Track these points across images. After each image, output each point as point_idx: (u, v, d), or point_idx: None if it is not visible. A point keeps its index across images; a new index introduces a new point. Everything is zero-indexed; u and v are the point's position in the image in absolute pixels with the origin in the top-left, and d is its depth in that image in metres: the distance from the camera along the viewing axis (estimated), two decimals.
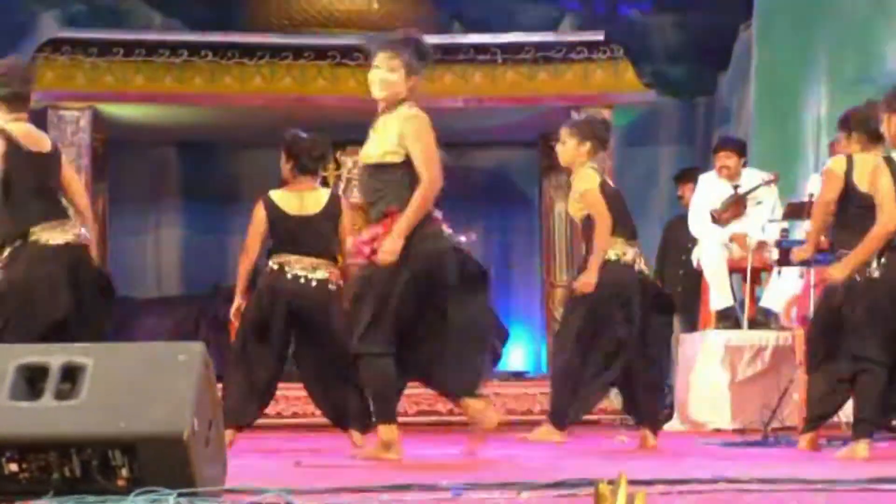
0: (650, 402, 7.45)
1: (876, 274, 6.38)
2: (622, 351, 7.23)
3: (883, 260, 6.39)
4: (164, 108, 11.40)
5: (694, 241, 9.92)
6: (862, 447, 6.33)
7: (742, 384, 9.21)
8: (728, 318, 9.53)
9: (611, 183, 7.63)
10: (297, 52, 11.30)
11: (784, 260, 8.52)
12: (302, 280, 7.18)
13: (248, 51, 11.23)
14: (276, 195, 7.42)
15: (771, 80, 11.62)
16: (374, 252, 6.04)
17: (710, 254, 9.63)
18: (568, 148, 7.39)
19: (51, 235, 6.18)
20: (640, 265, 7.38)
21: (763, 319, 9.59)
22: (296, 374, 7.61)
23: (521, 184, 13.03)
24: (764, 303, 9.64)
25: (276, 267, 7.28)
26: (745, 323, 9.51)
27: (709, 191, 9.82)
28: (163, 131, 12.18)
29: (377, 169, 6.11)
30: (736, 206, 9.68)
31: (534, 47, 11.43)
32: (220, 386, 4.30)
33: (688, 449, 7.41)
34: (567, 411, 7.43)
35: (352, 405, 7.17)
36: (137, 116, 11.56)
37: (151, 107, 11.37)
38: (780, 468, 5.41)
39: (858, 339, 6.45)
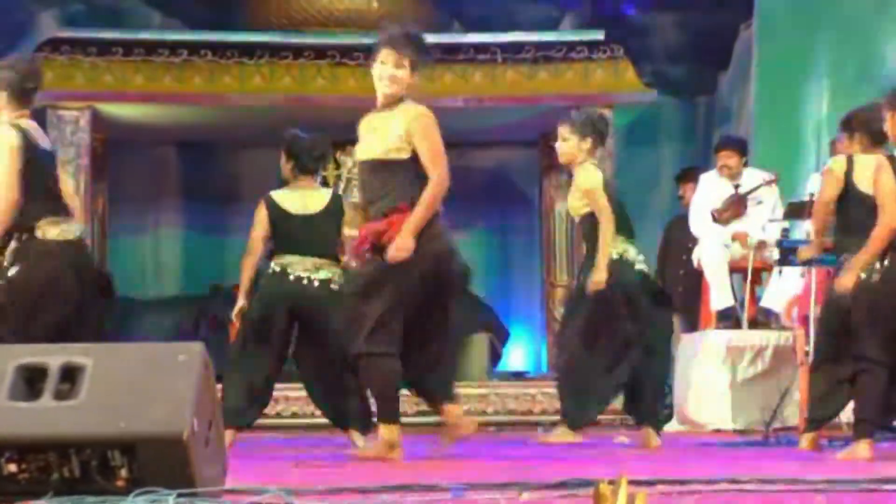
0: (654, 400, 7.44)
1: (877, 275, 6.37)
2: (630, 349, 7.22)
3: (886, 262, 6.37)
4: (163, 107, 11.40)
5: (694, 241, 9.92)
6: (863, 447, 6.33)
7: (743, 384, 9.21)
8: (729, 318, 9.53)
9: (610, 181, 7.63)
10: (297, 51, 11.30)
11: (785, 260, 8.52)
12: (305, 281, 7.18)
13: (248, 50, 11.22)
14: (278, 195, 7.42)
15: (771, 80, 11.62)
16: (374, 248, 6.01)
17: (711, 253, 9.63)
18: (570, 145, 7.36)
19: (56, 231, 6.18)
20: (641, 264, 7.37)
21: (764, 319, 9.58)
22: (296, 374, 7.60)
23: (521, 183, 13.02)
24: (764, 303, 9.64)
25: (278, 269, 7.27)
26: (745, 323, 9.50)
27: (710, 190, 9.81)
28: (162, 131, 12.17)
29: (380, 166, 6.09)
30: (736, 205, 9.67)
31: (534, 47, 11.43)
32: (219, 387, 4.29)
33: (688, 449, 7.40)
34: (580, 411, 7.36)
35: (352, 406, 7.16)
36: (137, 116, 11.55)
37: (151, 106, 11.36)
38: (781, 469, 5.40)
39: (859, 339, 6.45)
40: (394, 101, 6.14)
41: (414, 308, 6.04)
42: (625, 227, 7.34)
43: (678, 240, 10.66)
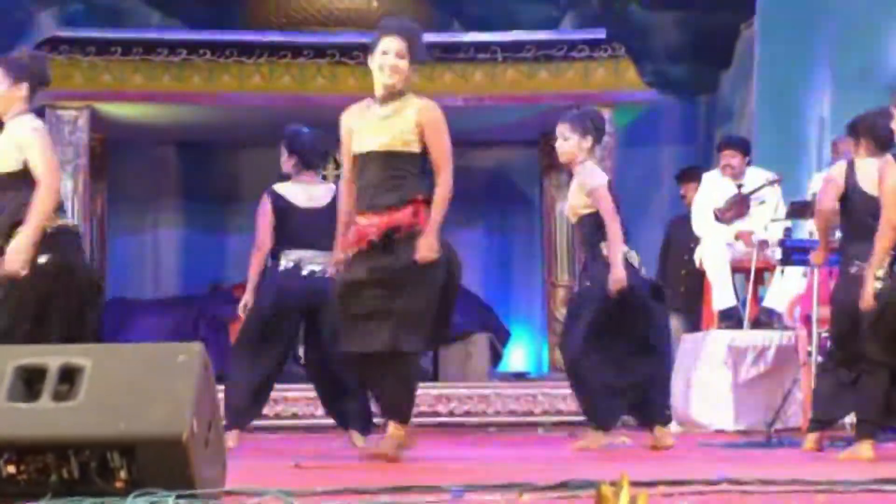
0: (664, 400, 7.43)
1: (887, 280, 6.36)
2: (639, 349, 7.20)
3: (893, 264, 6.36)
4: (162, 107, 11.39)
5: (696, 241, 9.90)
6: (865, 448, 6.32)
7: (745, 385, 9.19)
8: (731, 318, 9.51)
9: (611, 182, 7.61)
10: (296, 50, 11.29)
11: (787, 259, 8.51)
12: (318, 276, 7.15)
13: (247, 50, 11.21)
14: (282, 188, 7.39)
15: (773, 79, 11.61)
16: (386, 238, 5.97)
17: (713, 253, 9.61)
18: (570, 144, 7.31)
19: (62, 222, 6.20)
20: (640, 266, 7.36)
21: (766, 319, 9.57)
22: (295, 374, 7.60)
23: (521, 183, 13.01)
24: (767, 302, 9.62)
25: (291, 265, 7.24)
26: (747, 323, 9.47)
27: (712, 190, 9.80)
28: (161, 131, 12.16)
29: (390, 157, 6.04)
30: (739, 205, 9.66)
31: (534, 46, 11.41)
32: (220, 387, 4.28)
33: (690, 450, 7.39)
34: (604, 412, 7.29)
35: (352, 406, 7.15)
36: (136, 116, 11.54)
37: (150, 106, 11.35)
38: (784, 469, 5.38)
39: (862, 340, 6.44)
40: (396, 93, 6.11)
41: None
42: (623, 229, 7.32)
43: (680, 239, 10.64)
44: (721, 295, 9.56)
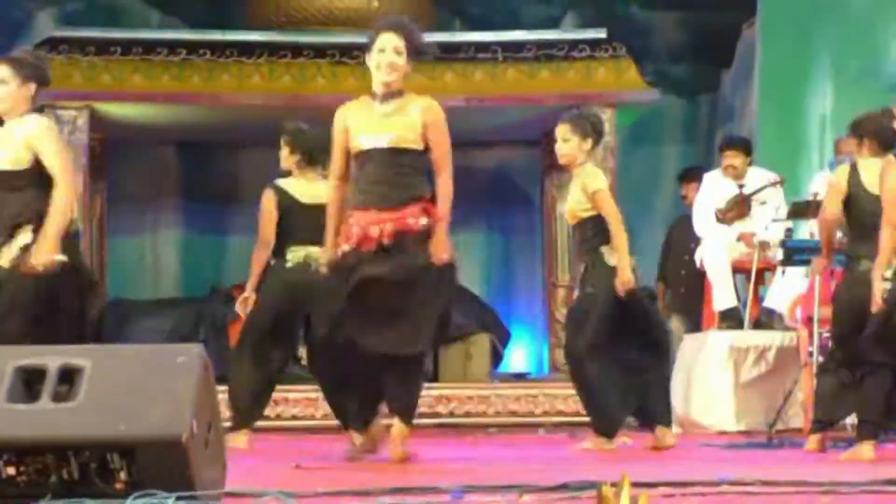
0: (666, 400, 7.42)
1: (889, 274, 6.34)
2: (646, 351, 7.20)
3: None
4: (162, 107, 11.37)
5: (697, 241, 9.89)
6: (867, 449, 6.31)
7: (746, 385, 9.17)
8: (732, 319, 9.49)
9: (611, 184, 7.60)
10: (296, 50, 11.27)
11: (788, 260, 8.50)
12: None
13: (247, 49, 11.19)
14: (287, 183, 7.36)
15: (775, 78, 11.59)
16: (401, 236, 5.95)
17: (714, 254, 9.60)
18: (571, 146, 7.29)
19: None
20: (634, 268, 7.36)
21: (767, 320, 9.55)
22: (294, 375, 7.58)
23: (522, 183, 12.99)
24: (768, 303, 9.61)
25: (300, 260, 7.22)
26: (748, 323, 9.45)
27: (714, 190, 9.78)
28: (161, 131, 12.14)
29: (397, 154, 6.03)
30: (741, 206, 9.65)
31: (535, 45, 11.39)
32: (220, 388, 4.26)
33: (691, 451, 7.38)
34: (610, 419, 7.27)
35: (352, 405, 7.11)
36: (135, 116, 11.52)
37: (149, 106, 11.33)
38: (785, 470, 5.38)
39: (864, 340, 6.42)
40: (395, 91, 6.10)
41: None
42: None
43: (681, 240, 10.62)
44: (722, 295, 9.54)
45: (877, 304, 6.30)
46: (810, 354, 8.10)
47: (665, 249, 11.05)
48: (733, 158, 9.72)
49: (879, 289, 6.29)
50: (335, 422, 7.46)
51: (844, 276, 6.88)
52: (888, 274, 6.29)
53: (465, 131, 11.20)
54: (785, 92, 11.49)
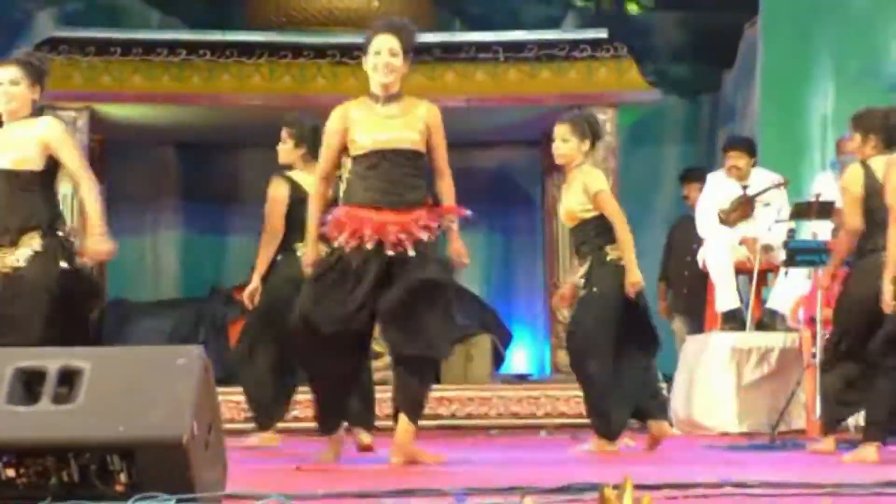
0: (657, 392, 7.43)
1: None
2: (643, 349, 7.20)
3: None
4: (162, 107, 11.36)
5: (699, 242, 9.87)
6: (871, 451, 6.28)
7: (748, 387, 9.15)
8: (734, 320, 9.48)
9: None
10: (297, 50, 11.25)
11: (791, 261, 8.48)
12: None
13: (247, 50, 11.18)
14: (296, 175, 7.32)
15: (776, 78, 11.58)
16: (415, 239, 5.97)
17: (717, 255, 9.58)
18: (570, 146, 7.28)
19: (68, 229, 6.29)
20: None
21: (769, 321, 9.54)
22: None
23: (523, 184, 12.97)
24: (771, 304, 9.59)
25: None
26: (750, 325, 9.43)
27: (717, 190, 9.76)
28: (161, 131, 12.13)
29: (407, 155, 6.05)
30: (744, 206, 9.63)
31: (536, 45, 11.37)
32: (220, 389, 4.24)
33: (694, 453, 7.38)
34: (615, 422, 7.26)
35: (356, 403, 7.09)
36: (135, 116, 11.51)
37: (149, 107, 11.32)
38: (788, 472, 5.37)
39: (877, 342, 6.39)
40: (395, 92, 6.09)
41: None
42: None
43: (683, 240, 10.60)
44: (724, 296, 9.52)
45: (888, 305, 6.27)
46: (813, 356, 8.08)
47: (667, 250, 11.03)
48: (737, 159, 9.69)
49: (890, 290, 6.26)
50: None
51: (855, 266, 6.81)
52: None
53: (465, 131, 11.22)
54: (786, 92, 11.48)
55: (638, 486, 3.43)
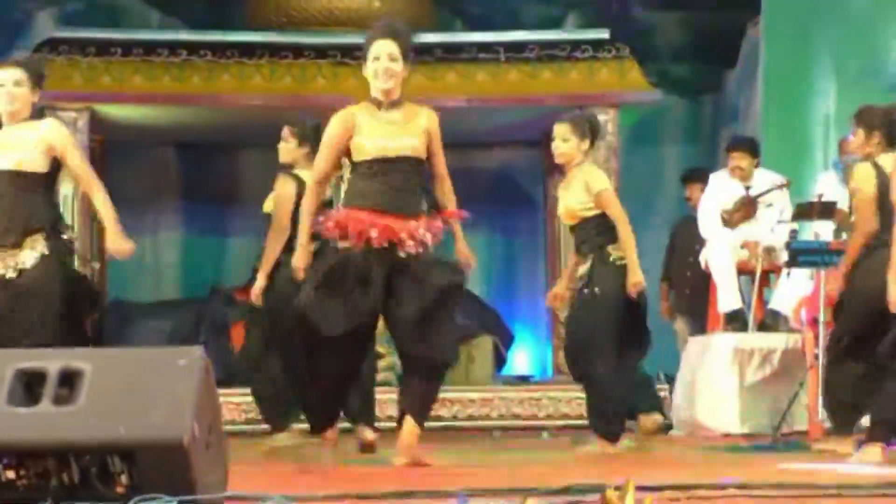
0: (645, 387, 7.44)
1: None
2: (638, 347, 7.21)
3: None
4: (162, 108, 11.36)
5: (701, 243, 9.85)
6: (875, 451, 6.24)
7: (751, 388, 9.14)
8: (736, 321, 9.46)
9: None
10: (297, 51, 11.25)
11: (793, 261, 8.46)
12: None
13: (248, 50, 11.17)
14: (302, 174, 7.31)
15: (779, 78, 11.57)
16: (422, 244, 5.99)
17: (719, 255, 9.56)
18: (570, 145, 7.27)
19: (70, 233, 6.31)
20: None
21: (772, 322, 9.52)
22: None
23: (525, 184, 12.97)
24: (773, 305, 9.57)
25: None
26: (752, 325, 9.42)
27: (720, 191, 9.74)
28: (161, 132, 12.13)
29: (413, 162, 6.07)
30: (747, 207, 9.61)
31: (538, 46, 11.37)
32: (224, 390, 4.24)
33: (696, 454, 7.36)
34: (617, 423, 7.25)
35: (356, 400, 7.07)
36: (136, 117, 11.51)
37: (150, 107, 11.32)
38: (791, 473, 5.35)
39: (888, 344, 6.37)
40: (397, 99, 6.09)
41: None
42: None
43: (685, 241, 10.57)
44: (727, 297, 9.50)
45: (894, 305, 6.24)
46: (816, 356, 8.06)
47: (669, 250, 11.01)
48: (740, 160, 9.67)
49: (894, 290, 6.23)
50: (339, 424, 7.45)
51: (864, 261, 6.76)
52: None
53: (466, 132, 11.21)
54: (788, 92, 11.48)
55: (640, 488, 3.43)
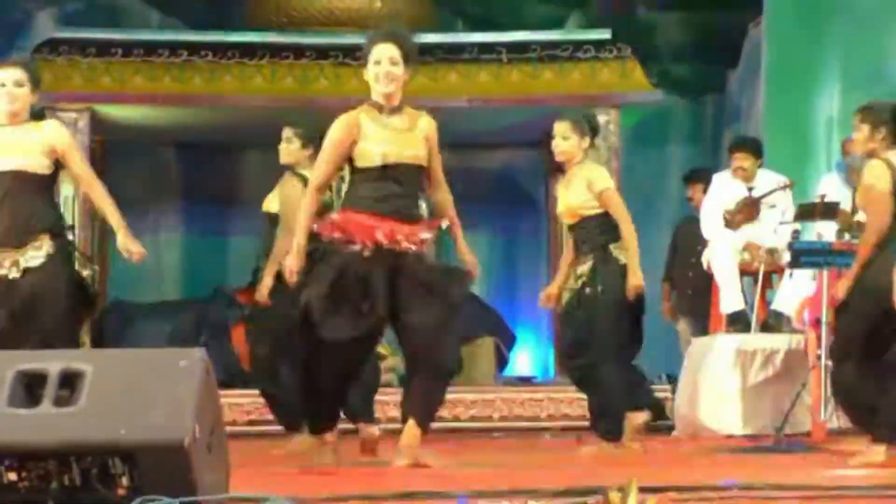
0: (634, 383, 7.45)
1: None
2: (633, 345, 7.22)
3: None
4: (163, 108, 11.36)
5: (704, 243, 9.84)
6: (878, 452, 6.23)
7: (753, 389, 9.13)
8: (739, 322, 9.45)
9: None
10: (299, 51, 11.25)
11: (796, 262, 8.45)
12: None
13: (249, 50, 11.18)
14: (308, 174, 7.30)
15: (781, 78, 11.57)
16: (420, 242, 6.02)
17: (722, 256, 9.55)
18: (571, 143, 7.27)
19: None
20: None
21: (774, 323, 9.51)
22: None
23: (526, 185, 12.97)
24: (776, 306, 9.56)
25: None
26: (755, 326, 9.41)
27: (722, 191, 9.72)
28: (162, 132, 12.13)
29: (417, 170, 6.09)
30: (750, 208, 9.60)
31: (539, 46, 11.37)
32: (223, 391, 4.23)
33: (698, 455, 7.35)
34: (619, 424, 7.25)
35: (355, 398, 7.05)
36: (136, 117, 11.51)
37: (150, 108, 11.32)
38: (793, 474, 5.35)
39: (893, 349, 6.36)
40: (398, 102, 6.08)
41: None
42: None
43: (687, 241, 10.56)
44: (729, 298, 9.49)
45: None
46: (818, 357, 8.05)
47: (671, 251, 11.00)
48: (743, 160, 9.65)
49: None
50: (340, 426, 7.42)
51: (877, 259, 6.69)
52: None
53: (468, 133, 11.22)
54: (792, 92, 11.47)
55: (642, 489, 3.43)
